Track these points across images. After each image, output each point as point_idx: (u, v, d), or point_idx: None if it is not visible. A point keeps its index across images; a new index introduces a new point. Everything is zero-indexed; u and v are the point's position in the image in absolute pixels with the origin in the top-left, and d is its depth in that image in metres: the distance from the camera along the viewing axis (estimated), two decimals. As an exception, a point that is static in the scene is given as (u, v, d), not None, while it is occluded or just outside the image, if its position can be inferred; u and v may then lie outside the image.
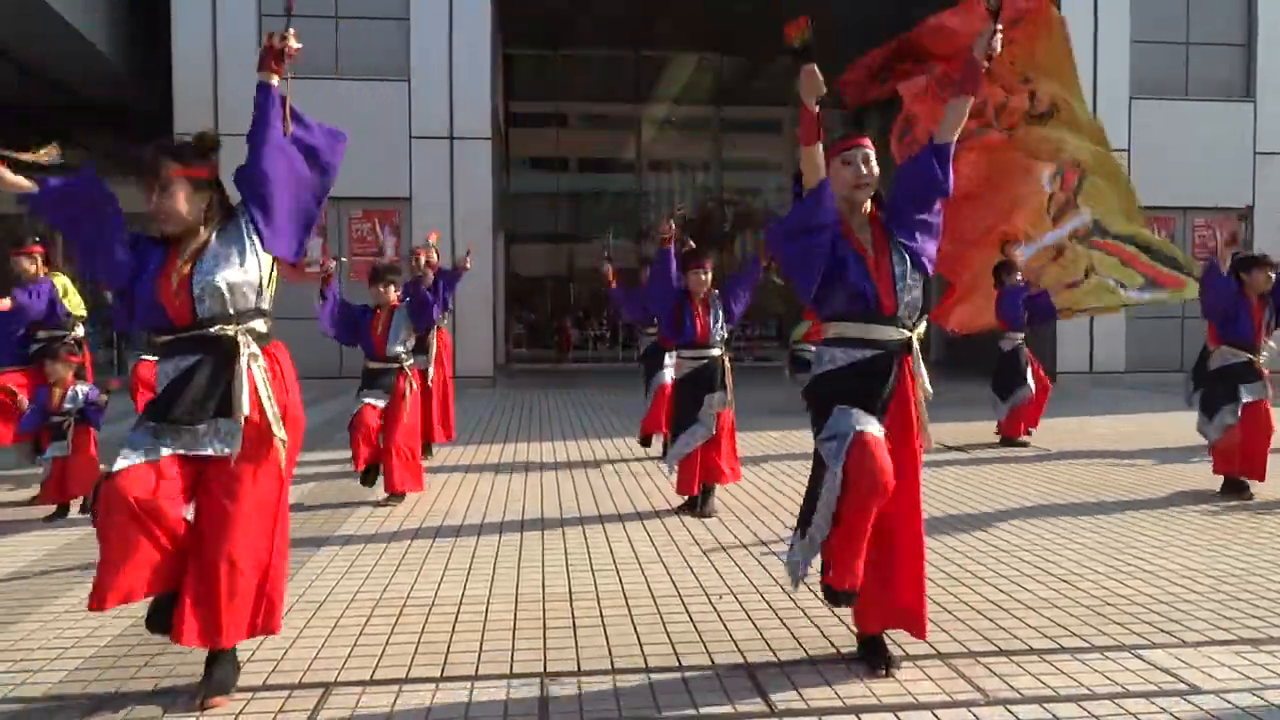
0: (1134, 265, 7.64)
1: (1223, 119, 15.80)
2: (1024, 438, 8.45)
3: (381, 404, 5.95)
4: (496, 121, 16.77)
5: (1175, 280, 7.45)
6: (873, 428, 3.03)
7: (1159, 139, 15.40)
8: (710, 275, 5.69)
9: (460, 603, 3.94)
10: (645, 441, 7.77)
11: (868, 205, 3.24)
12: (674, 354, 5.75)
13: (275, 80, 2.99)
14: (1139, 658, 3.27)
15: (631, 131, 24.86)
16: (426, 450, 7.72)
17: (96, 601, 2.75)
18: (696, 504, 5.64)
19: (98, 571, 2.77)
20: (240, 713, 2.87)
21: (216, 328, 2.90)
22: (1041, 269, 7.94)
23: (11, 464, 6.99)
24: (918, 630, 3.20)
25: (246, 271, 2.95)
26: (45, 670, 3.22)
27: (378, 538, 5.10)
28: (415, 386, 6.15)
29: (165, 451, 2.84)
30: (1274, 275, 6.11)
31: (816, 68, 2.94)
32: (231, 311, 2.92)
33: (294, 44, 3.02)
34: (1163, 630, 3.55)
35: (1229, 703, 2.90)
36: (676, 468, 5.70)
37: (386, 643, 3.47)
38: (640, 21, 20.43)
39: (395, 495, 5.93)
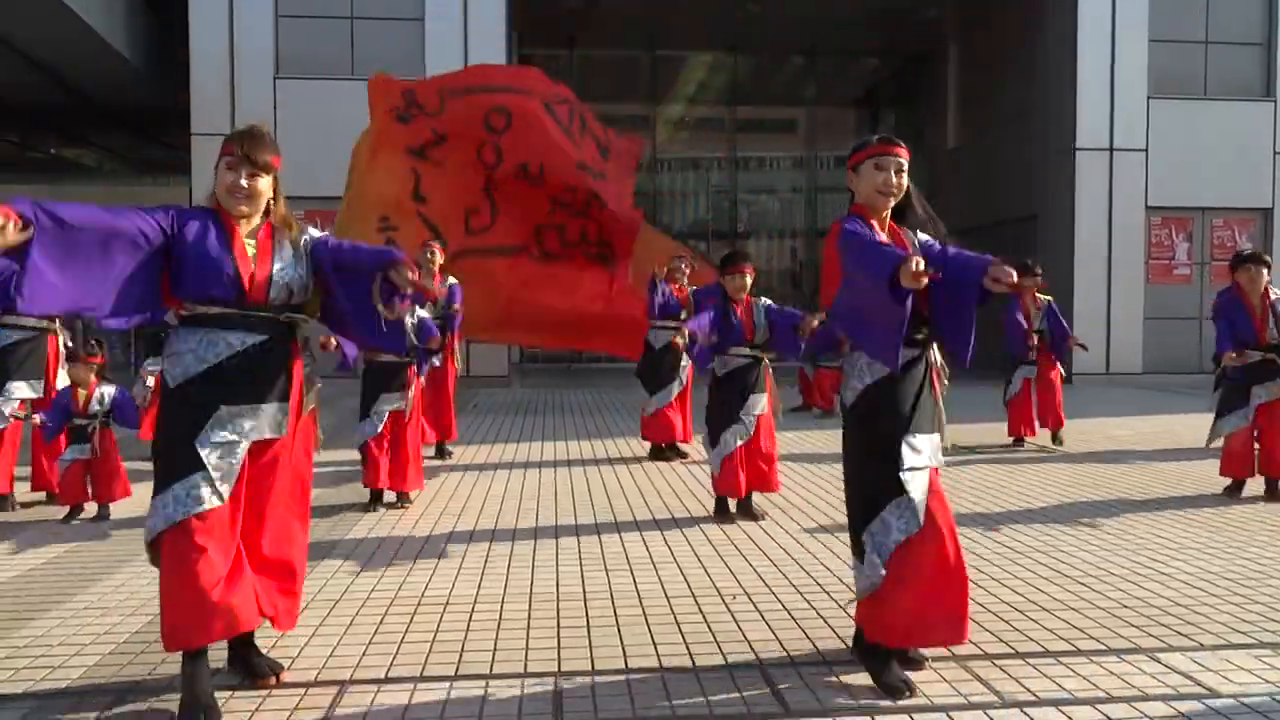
0: None
1: (1242, 119, 15.66)
2: (1026, 438, 8.43)
3: (400, 407, 5.87)
4: (511, 121, 16.79)
5: None
6: (931, 459, 3.08)
7: (1177, 139, 15.29)
8: (750, 280, 5.63)
9: (475, 601, 3.95)
10: (657, 452, 7.74)
11: (887, 214, 3.23)
12: (717, 356, 5.71)
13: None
14: (1156, 661, 3.25)
15: (646, 131, 24.84)
16: (442, 451, 7.76)
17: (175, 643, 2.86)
18: (731, 507, 5.56)
19: (171, 612, 2.82)
20: (256, 710, 2.89)
21: (286, 315, 3.01)
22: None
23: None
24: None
25: (302, 277, 3.07)
26: (65, 665, 3.25)
27: (392, 536, 5.12)
28: (420, 382, 6.16)
29: (234, 465, 2.89)
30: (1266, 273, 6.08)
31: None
32: (295, 303, 3.05)
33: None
34: (1180, 633, 3.53)
35: (1247, 706, 2.88)
36: (720, 468, 5.54)
37: (401, 641, 3.48)
38: (655, 21, 20.42)
39: (405, 496, 5.94)
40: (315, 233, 3.17)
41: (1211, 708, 2.88)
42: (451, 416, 7.78)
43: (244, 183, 2.96)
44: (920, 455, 3.05)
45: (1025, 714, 2.85)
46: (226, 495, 2.87)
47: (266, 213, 3.06)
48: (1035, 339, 8.38)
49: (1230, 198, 15.62)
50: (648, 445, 7.91)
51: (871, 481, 3.09)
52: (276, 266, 2.99)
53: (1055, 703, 2.92)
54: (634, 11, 19.74)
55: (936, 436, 3.15)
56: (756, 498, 5.64)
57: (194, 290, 2.90)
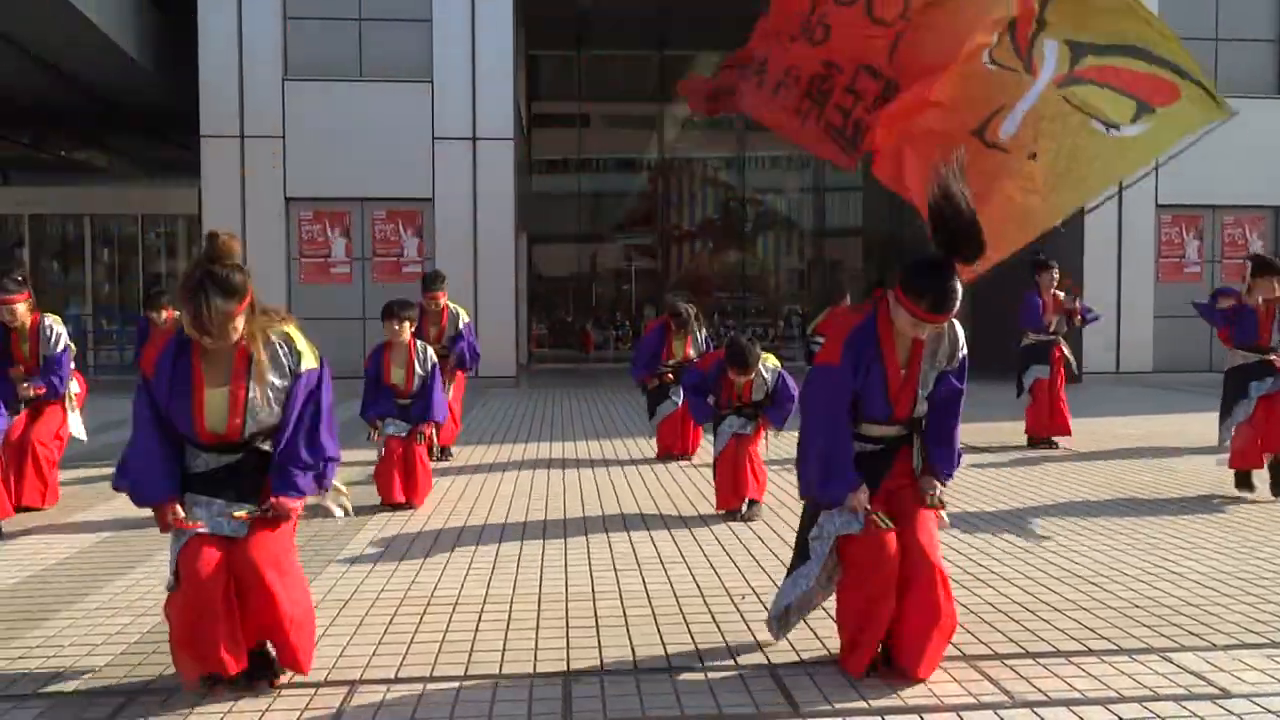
0: (1125, 86, 5.73)
1: (1253, 116, 15.47)
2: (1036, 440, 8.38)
3: (397, 432, 6.00)
4: (519, 122, 16.82)
5: (1169, 90, 5.38)
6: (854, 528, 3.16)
7: (1188, 136, 15.20)
8: (748, 378, 5.63)
9: (484, 601, 3.95)
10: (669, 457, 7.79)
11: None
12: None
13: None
14: (1168, 660, 3.23)
15: (654, 131, 24.84)
16: (444, 453, 7.76)
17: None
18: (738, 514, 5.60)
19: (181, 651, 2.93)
20: (267, 709, 2.90)
21: (258, 442, 3.05)
22: (1030, 143, 6.12)
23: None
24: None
25: (280, 392, 3.04)
26: (77, 666, 3.26)
27: (402, 537, 5.13)
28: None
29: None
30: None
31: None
32: (271, 425, 3.04)
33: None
34: (1192, 633, 3.51)
35: (1260, 706, 2.87)
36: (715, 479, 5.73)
37: (411, 641, 3.49)
38: (663, 21, 20.42)
39: (411, 502, 5.95)
40: (292, 345, 3.08)
41: (1224, 708, 2.86)
42: (455, 423, 7.80)
43: (210, 333, 2.88)
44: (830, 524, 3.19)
45: (1036, 714, 2.83)
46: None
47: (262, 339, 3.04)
48: (1053, 322, 8.29)
49: (1241, 195, 15.52)
50: (656, 446, 7.92)
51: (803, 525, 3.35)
52: (250, 397, 2.97)
53: (1066, 703, 2.90)
54: (642, 11, 19.73)
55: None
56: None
57: (174, 427, 3.01)
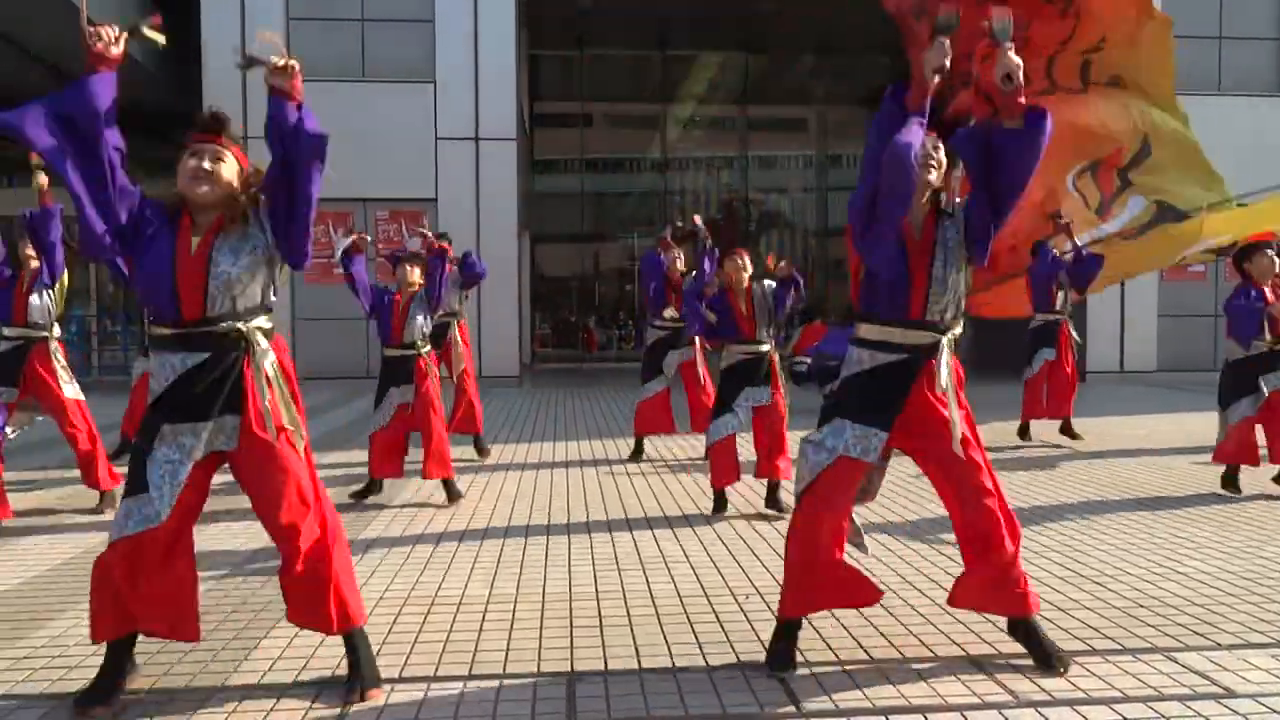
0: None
1: (1257, 115, 15.53)
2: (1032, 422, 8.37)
3: (409, 400, 5.96)
4: (522, 122, 16.82)
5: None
6: (858, 450, 3.12)
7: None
8: (748, 264, 5.68)
9: (488, 601, 3.96)
10: (639, 450, 7.75)
11: (926, 196, 3.20)
12: (726, 349, 5.78)
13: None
14: (1172, 660, 3.23)
15: (657, 131, 24.83)
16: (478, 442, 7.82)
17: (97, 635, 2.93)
18: (726, 503, 5.68)
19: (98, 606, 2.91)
20: (271, 710, 2.90)
21: (226, 324, 2.87)
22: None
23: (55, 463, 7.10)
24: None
25: (260, 267, 2.94)
26: (82, 666, 3.26)
27: (405, 537, 5.14)
28: (435, 371, 6.14)
29: (182, 476, 2.86)
30: (1277, 259, 6.04)
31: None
32: (241, 309, 2.90)
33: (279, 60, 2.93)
34: (1197, 633, 3.51)
35: (1265, 706, 2.86)
36: (710, 454, 5.69)
37: (415, 640, 3.49)
38: (665, 21, 20.41)
39: (449, 481, 5.95)
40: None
41: (1229, 707, 2.85)
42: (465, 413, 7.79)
43: (207, 165, 2.90)
44: (835, 439, 3.13)
45: (1040, 713, 2.83)
46: (165, 516, 2.83)
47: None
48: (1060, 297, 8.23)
49: (1247, 196, 15.49)
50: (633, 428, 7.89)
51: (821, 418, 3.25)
52: (214, 267, 2.86)
53: (1070, 702, 2.90)
54: (644, 11, 19.73)
55: (873, 432, 3.13)
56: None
57: (142, 297, 2.94)
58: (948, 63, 2.89)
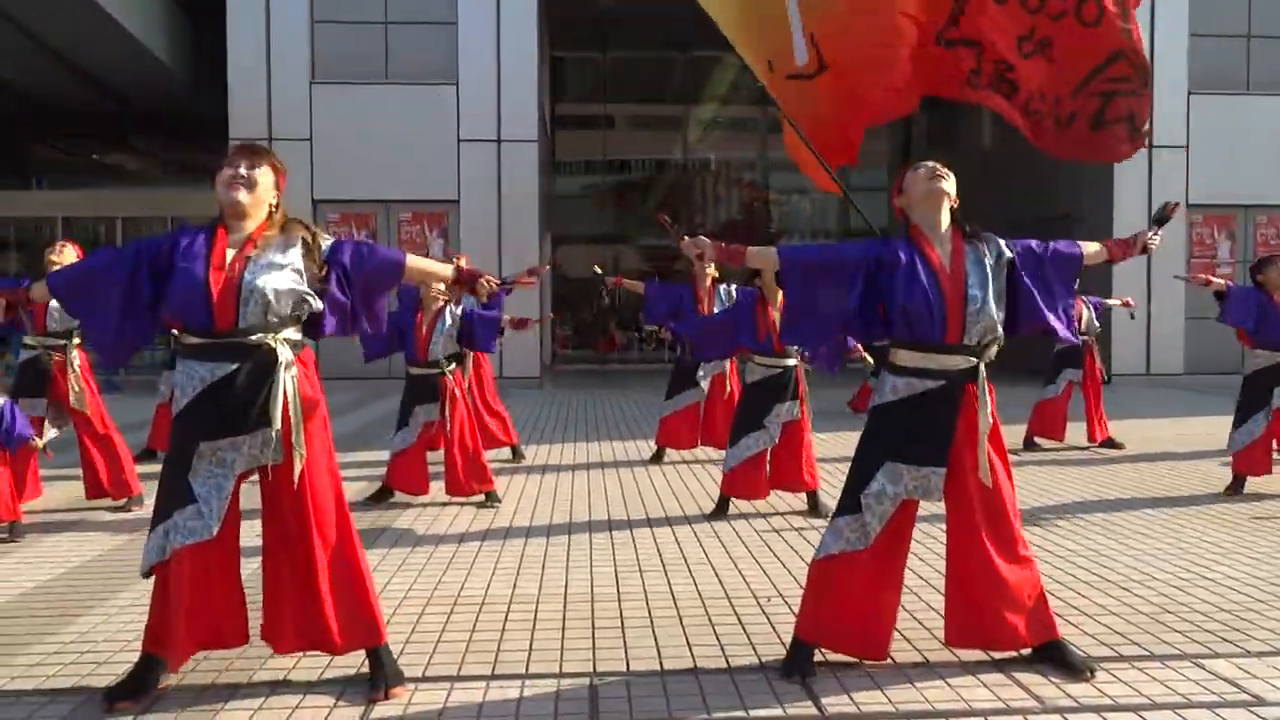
0: None
1: (1285, 114, 15.34)
2: (1040, 440, 8.31)
3: (434, 419, 5.89)
4: (543, 124, 16.86)
5: None
6: (921, 493, 3.11)
7: (1219, 135, 15.00)
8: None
9: (510, 602, 3.97)
10: (660, 455, 7.70)
11: (947, 217, 3.19)
12: (749, 360, 5.74)
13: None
14: (1200, 667, 3.19)
15: (678, 132, 24.85)
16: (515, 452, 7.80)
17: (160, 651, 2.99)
18: (727, 508, 5.66)
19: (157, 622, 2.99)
20: (295, 708, 2.92)
21: (257, 335, 2.90)
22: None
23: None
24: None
25: (294, 286, 2.97)
26: (110, 662, 3.30)
27: (427, 537, 5.16)
28: (460, 387, 6.08)
29: (227, 490, 2.93)
30: None
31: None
32: (272, 320, 2.92)
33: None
34: (1225, 639, 3.46)
35: (1296, 714, 2.82)
36: (734, 469, 5.59)
37: (438, 640, 3.50)
38: (687, 23, 20.40)
39: (492, 494, 5.95)
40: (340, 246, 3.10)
41: (1259, 715, 2.82)
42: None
43: (244, 171, 2.97)
44: (895, 486, 3.09)
45: (1065, 719, 2.81)
46: (216, 530, 2.89)
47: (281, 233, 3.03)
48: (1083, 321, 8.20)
49: (1274, 194, 15.30)
50: (656, 437, 7.83)
51: (854, 475, 3.20)
52: (248, 277, 2.89)
53: (1097, 709, 2.87)
54: (666, 12, 19.74)
55: (930, 470, 3.09)
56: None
57: (173, 308, 2.96)
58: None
